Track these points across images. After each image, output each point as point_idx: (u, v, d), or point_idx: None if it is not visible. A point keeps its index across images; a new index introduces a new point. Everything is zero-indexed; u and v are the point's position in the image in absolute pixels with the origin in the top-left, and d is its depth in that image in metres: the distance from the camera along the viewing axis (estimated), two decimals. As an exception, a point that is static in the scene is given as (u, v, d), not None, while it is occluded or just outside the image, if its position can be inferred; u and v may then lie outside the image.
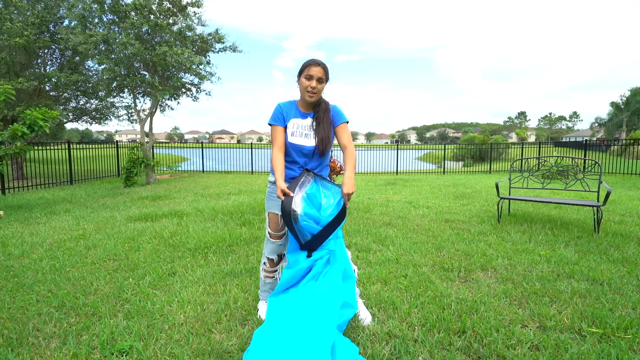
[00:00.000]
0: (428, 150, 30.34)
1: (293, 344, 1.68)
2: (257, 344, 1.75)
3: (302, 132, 2.18)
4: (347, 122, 2.24)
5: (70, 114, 12.59)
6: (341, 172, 5.81)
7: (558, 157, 5.87)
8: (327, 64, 2.17)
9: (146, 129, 10.41)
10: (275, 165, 2.12)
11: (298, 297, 1.92)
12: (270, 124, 2.22)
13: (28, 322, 2.22)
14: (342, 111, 2.26)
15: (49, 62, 11.87)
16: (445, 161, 14.82)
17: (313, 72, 2.09)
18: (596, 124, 51.84)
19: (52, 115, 6.08)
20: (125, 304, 2.48)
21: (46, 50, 11.32)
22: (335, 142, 2.28)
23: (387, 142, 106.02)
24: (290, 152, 2.20)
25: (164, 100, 10.75)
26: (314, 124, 2.18)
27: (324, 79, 2.14)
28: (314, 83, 2.09)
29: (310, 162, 2.21)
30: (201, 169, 14.95)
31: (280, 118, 2.20)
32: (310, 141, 2.17)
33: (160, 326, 2.18)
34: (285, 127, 2.19)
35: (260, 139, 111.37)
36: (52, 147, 9.86)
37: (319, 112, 2.18)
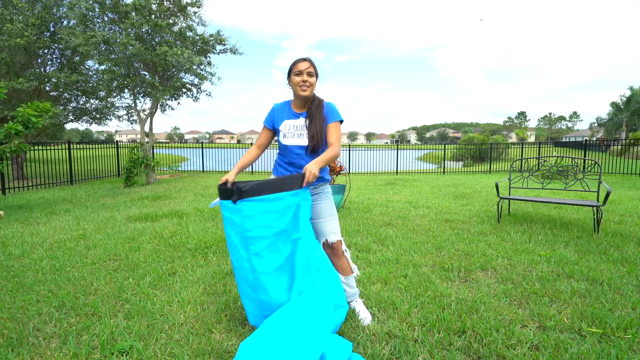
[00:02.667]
0: (428, 150, 30.35)
1: (281, 354, 1.62)
2: (243, 353, 1.68)
3: (294, 133, 2.19)
4: (341, 121, 2.22)
5: (70, 114, 12.58)
6: (341, 172, 5.80)
7: (558, 157, 5.87)
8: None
9: (146, 129, 10.41)
10: (242, 157, 2.27)
11: (287, 310, 1.83)
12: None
13: (28, 322, 2.22)
14: (336, 109, 2.22)
15: (49, 62, 11.87)
16: (445, 161, 14.81)
17: (301, 67, 2.13)
18: (596, 124, 51.87)
19: (45, 108, 6.04)
20: (125, 304, 2.48)
21: (46, 50, 11.31)
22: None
23: (387, 142, 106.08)
24: (286, 154, 2.24)
25: (164, 100, 10.75)
26: (307, 121, 2.18)
27: (313, 73, 2.15)
28: (305, 77, 2.12)
29: (306, 162, 2.18)
30: (201, 169, 14.95)
31: (270, 121, 2.30)
32: (303, 140, 2.18)
33: (160, 326, 2.18)
34: (277, 130, 2.26)
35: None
36: (52, 147, 9.85)
37: (312, 108, 2.18)
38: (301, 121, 2.20)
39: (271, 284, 1.91)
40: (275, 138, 2.35)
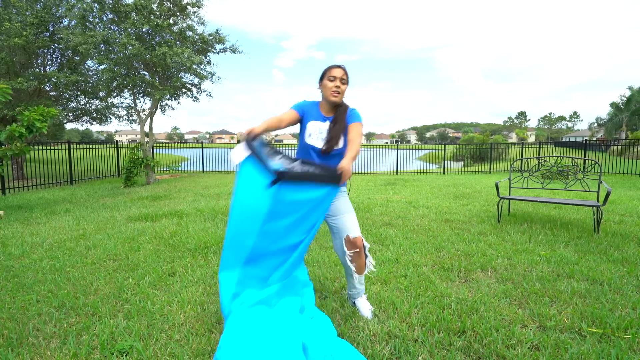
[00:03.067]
0: (428, 150, 30.37)
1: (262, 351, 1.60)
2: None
3: (318, 136, 2.24)
4: (361, 123, 2.23)
5: (70, 114, 12.58)
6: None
7: (558, 157, 5.87)
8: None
9: (146, 129, 10.41)
10: (270, 119, 2.11)
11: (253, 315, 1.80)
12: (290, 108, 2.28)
13: (28, 322, 2.22)
14: (358, 113, 2.27)
15: (49, 62, 11.87)
16: (445, 161, 14.81)
17: (335, 74, 2.18)
18: (595, 124, 51.88)
19: (51, 113, 6.04)
20: (125, 304, 2.48)
21: (46, 50, 11.31)
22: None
23: (387, 142, 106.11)
24: (304, 150, 2.29)
25: (164, 100, 10.75)
26: (331, 125, 2.22)
27: (346, 80, 2.21)
28: (338, 82, 2.17)
29: (318, 161, 2.26)
30: (201, 169, 14.95)
31: (300, 109, 2.28)
32: (321, 143, 2.23)
33: (160, 326, 2.18)
34: (304, 126, 2.27)
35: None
36: (52, 147, 9.86)
37: (339, 113, 2.24)
38: (327, 125, 2.25)
39: (264, 262, 1.95)
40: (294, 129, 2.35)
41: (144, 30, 9.19)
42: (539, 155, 15.50)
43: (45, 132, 6.20)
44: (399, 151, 14.53)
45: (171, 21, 9.52)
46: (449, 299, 2.51)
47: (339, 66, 2.20)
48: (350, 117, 2.24)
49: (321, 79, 2.25)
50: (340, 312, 2.33)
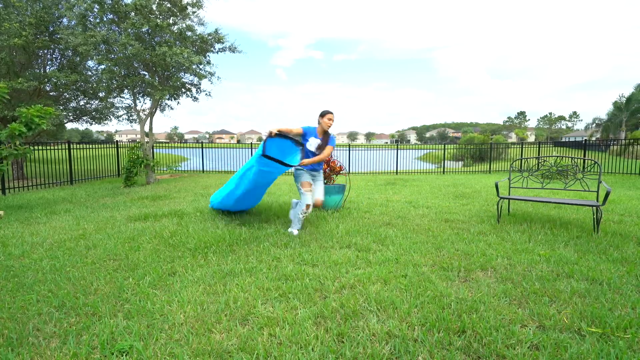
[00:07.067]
0: (428, 150, 30.36)
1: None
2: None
3: (312, 144, 4.25)
4: (333, 147, 4.34)
5: (70, 114, 12.57)
6: (341, 172, 5.90)
7: (557, 157, 5.87)
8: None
9: (146, 129, 10.41)
10: (283, 126, 4.07)
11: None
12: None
13: (28, 322, 2.23)
14: (334, 140, 4.39)
15: (49, 62, 11.86)
16: (445, 161, 14.82)
17: (332, 117, 4.26)
18: (593, 125, 51.97)
19: (49, 112, 6.05)
20: (125, 304, 2.48)
21: (46, 51, 11.30)
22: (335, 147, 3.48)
23: (387, 142, 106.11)
24: (305, 152, 4.14)
25: (163, 100, 10.75)
26: (322, 141, 4.30)
27: (333, 120, 4.30)
28: (331, 123, 4.28)
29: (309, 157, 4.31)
30: (201, 169, 14.95)
31: (305, 129, 4.28)
32: (313, 149, 4.30)
33: (160, 326, 2.18)
34: (306, 139, 4.24)
35: (260, 139, 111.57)
36: (52, 147, 9.85)
37: (325, 136, 4.34)
38: (318, 140, 4.28)
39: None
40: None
41: (143, 30, 9.19)
42: (538, 155, 15.50)
43: (45, 129, 6.22)
44: (399, 151, 14.53)
45: (171, 21, 9.52)
46: (448, 298, 2.51)
47: (331, 112, 4.25)
48: (330, 141, 4.32)
49: (322, 116, 4.25)
50: (340, 312, 2.33)
